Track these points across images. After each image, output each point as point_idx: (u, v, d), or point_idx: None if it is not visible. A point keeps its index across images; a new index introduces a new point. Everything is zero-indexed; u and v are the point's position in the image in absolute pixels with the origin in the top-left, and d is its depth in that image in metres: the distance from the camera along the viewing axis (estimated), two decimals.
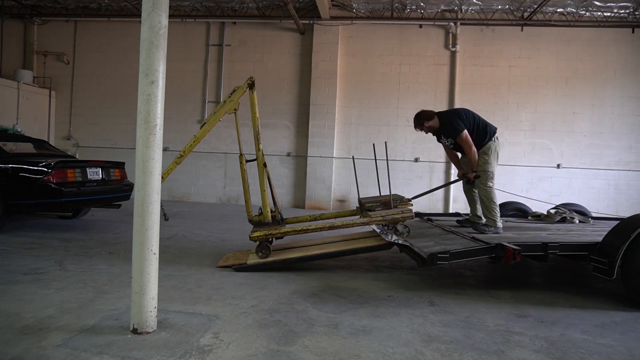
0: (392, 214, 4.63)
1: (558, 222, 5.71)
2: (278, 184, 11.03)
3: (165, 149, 10.91)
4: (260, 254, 4.55)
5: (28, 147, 7.22)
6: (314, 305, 3.52)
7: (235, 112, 4.84)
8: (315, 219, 5.28)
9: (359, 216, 5.16)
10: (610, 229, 4.01)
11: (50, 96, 11.76)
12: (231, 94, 4.80)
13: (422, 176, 10.69)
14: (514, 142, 10.48)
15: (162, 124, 2.82)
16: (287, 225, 5.03)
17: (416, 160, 10.68)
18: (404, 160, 10.72)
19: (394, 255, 5.49)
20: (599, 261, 3.79)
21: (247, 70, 11.15)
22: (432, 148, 10.64)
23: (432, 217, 6.11)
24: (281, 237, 4.73)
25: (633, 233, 3.66)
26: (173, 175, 11.07)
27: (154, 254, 2.79)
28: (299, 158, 11.04)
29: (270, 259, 4.58)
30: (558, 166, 10.35)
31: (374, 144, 6.00)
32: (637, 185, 10.18)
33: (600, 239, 3.99)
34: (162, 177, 4.85)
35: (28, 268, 4.24)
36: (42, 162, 5.94)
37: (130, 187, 6.98)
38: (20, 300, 3.33)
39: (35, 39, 11.95)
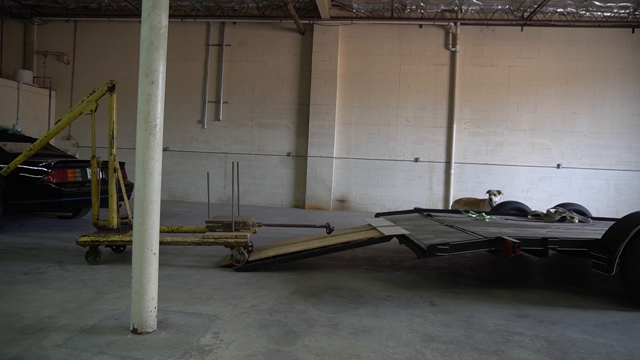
0: (225, 237, 4.51)
1: (558, 221, 5.71)
2: (278, 184, 11.04)
3: (165, 149, 10.98)
4: (89, 259, 4.50)
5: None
6: (314, 305, 3.52)
7: (92, 113, 4.78)
8: (173, 232, 5.18)
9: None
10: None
11: (50, 96, 11.77)
12: (90, 94, 4.77)
13: (422, 176, 10.70)
14: (514, 142, 10.49)
15: (162, 124, 2.82)
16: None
17: (416, 160, 10.68)
18: (404, 160, 10.73)
19: (394, 255, 5.50)
20: (599, 257, 3.79)
21: (247, 70, 11.16)
22: (432, 148, 10.65)
23: (432, 214, 6.12)
24: (110, 246, 4.68)
25: (633, 230, 3.66)
26: (173, 175, 11.32)
27: (154, 254, 2.79)
28: (299, 158, 11.03)
29: (270, 254, 4.60)
30: (558, 166, 10.36)
31: (234, 160, 5.98)
32: (637, 185, 10.19)
33: (599, 236, 4.00)
34: (9, 168, 4.87)
35: (28, 268, 4.24)
36: (42, 162, 5.94)
37: (130, 187, 6.98)
38: (20, 300, 3.33)
39: (35, 39, 11.96)
